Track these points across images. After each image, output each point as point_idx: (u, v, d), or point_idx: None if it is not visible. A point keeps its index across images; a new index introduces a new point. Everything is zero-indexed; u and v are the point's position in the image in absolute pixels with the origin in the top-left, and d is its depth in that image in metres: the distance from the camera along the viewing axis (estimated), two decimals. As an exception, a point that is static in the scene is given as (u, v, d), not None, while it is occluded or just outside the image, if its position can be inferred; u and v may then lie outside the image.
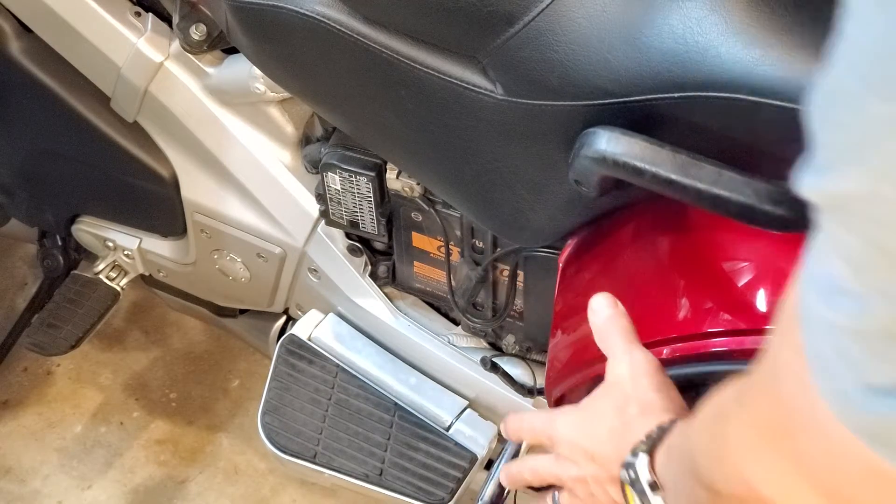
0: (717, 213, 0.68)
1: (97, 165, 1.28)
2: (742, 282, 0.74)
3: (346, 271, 1.21)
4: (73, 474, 1.56)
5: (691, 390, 0.77)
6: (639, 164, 0.69)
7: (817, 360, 0.34)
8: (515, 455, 1.17)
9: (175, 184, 1.25)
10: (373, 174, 1.07)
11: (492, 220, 0.96)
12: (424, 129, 0.90)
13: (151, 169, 1.24)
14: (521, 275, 1.08)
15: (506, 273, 1.09)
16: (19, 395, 1.65)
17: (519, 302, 1.11)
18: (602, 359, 0.69)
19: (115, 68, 1.16)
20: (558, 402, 0.90)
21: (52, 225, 1.45)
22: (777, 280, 0.72)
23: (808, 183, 0.33)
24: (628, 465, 0.58)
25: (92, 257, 1.46)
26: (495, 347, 1.19)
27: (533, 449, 1.18)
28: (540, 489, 0.77)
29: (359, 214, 1.12)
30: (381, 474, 1.15)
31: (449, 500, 1.13)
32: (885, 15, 0.29)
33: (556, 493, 0.72)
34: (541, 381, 1.12)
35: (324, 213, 1.15)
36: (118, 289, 1.42)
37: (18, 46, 1.19)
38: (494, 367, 1.10)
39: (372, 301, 1.22)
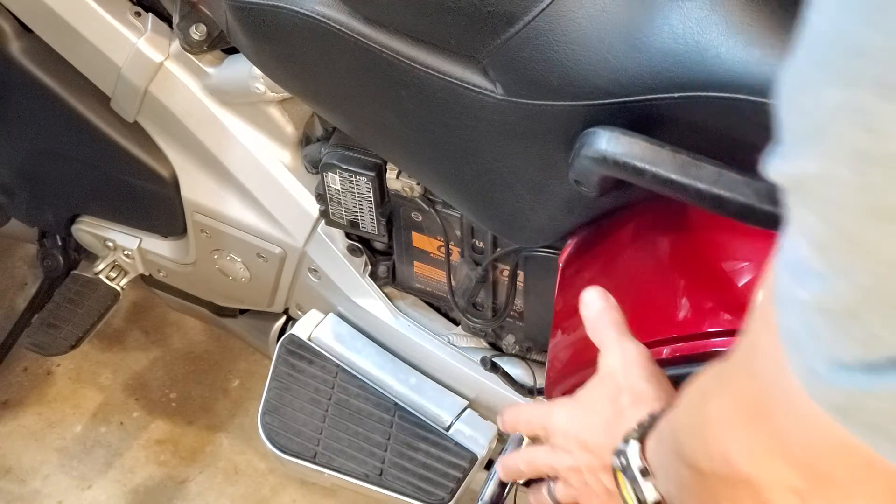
0: (717, 213, 0.68)
1: (97, 165, 1.28)
2: (742, 282, 0.74)
3: (346, 271, 1.21)
4: (73, 474, 1.56)
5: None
6: (639, 164, 0.69)
7: (789, 338, 0.35)
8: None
9: (175, 184, 1.25)
10: (373, 174, 1.07)
11: (492, 220, 0.96)
12: (424, 129, 0.90)
13: (151, 169, 1.24)
14: (521, 275, 1.08)
15: (506, 273, 1.09)
16: (19, 395, 1.65)
17: (519, 302, 1.11)
18: None
19: (116, 68, 1.16)
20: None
21: (52, 225, 1.45)
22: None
23: (773, 166, 0.34)
24: (620, 453, 0.59)
25: (92, 257, 1.46)
26: (495, 347, 1.19)
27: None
28: (531, 483, 0.77)
29: (359, 214, 1.12)
30: (381, 474, 1.15)
31: (449, 500, 1.13)
32: (839, 5, 0.30)
33: (551, 483, 0.73)
34: (541, 381, 1.12)
35: (324, 213, 1.15)
36: (118, 289, 1.42)
37: (18, 46, 1.19)
38: (494, 367, 1.10)
39: (372, 301, 1.22)
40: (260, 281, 1.29)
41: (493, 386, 1.16)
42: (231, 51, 1.12)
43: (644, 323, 0.77)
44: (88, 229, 1.40)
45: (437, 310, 1.24)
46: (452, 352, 1.19)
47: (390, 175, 1.08)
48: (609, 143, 0.71)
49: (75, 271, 1.47)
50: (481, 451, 1.16)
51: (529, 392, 1.12)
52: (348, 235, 1.19)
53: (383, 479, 1.15)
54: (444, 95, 0.84)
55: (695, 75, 0.69)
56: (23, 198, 1.42)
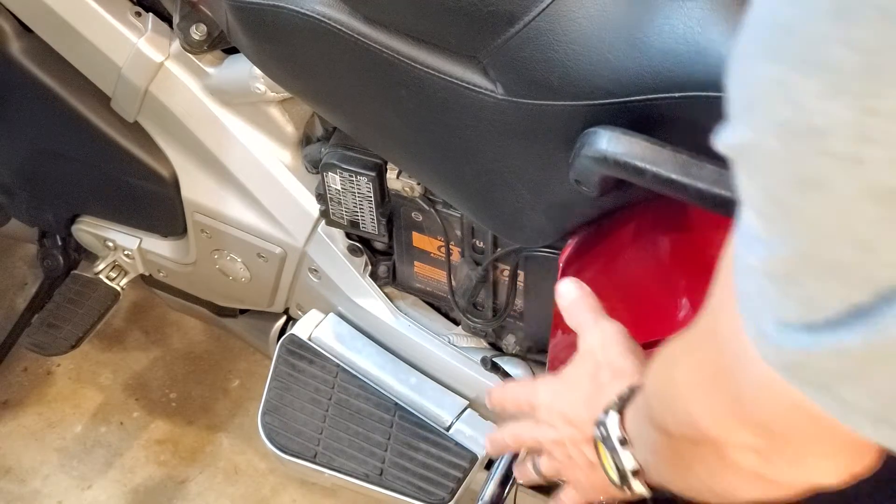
0: (717, 212, 0.68)
1: (97, 165, 1.28)
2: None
3: (347, 271, 1.21)
4: (73, 474, 1.56)
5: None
6: (639, 163, 0.69)
7: (743, 302, 0.37)
8: (515, 456, 1.18)
9: (175, 184, 1.25)
10: (373, 174, 1.07)
11: (492, 220, 0.96)
12: (425, 128, 0.90)
13: (152, 169, 1.24)
14: (521, 275, 1.08)
15: (506, 273, 1.09)
16: (19, 395, 1.65)
17: (519, 302, 1.11)
18: None
19: (116, 68, 1.16)
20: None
21: (53, 225, 1.45)
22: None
23: (720, 138, 0.36)
24: (600, 424, 0.62)
25: (92, 257, 1.46)
26: (495, 347, 1.19)
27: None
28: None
29: (359, 214, 1.12)
30: (381, 474, 1.15)
31: (449, 500, 1.13)
32: None
33: (536, 457, 0.76)
34: (541, 381, 1.12)
35: (324, 213, 1.15)
36: (118, 289, 1.42)
37: (19, 46, 1.19)
38: (495, 367, 1.10)
39: (372, 301, 1.22)
40: (260, 281, 1.29)
41: (493, 386, 1.16)
42: (231, 51, 1.12)
43: (644, 322, 0.77)
44: (88, 229, 1.40)
45: (438, 310, 1.24)
46: (453, 352, 1.19)
47: (391, 175, 1.08)
48: (610, 142, 0.71)
49: (75, 271, 1.47)
50: (481, 451, 1.16)
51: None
52: (348, 235, 1.19)
53: (383, 479, 1.15)
54: (444, 95, 0.84)
55: (695, 75, 0.69)
56: (23, 198, 1.42)
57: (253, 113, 1.16)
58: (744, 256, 0.36)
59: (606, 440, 0.61)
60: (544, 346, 1.06)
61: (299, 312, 1.32)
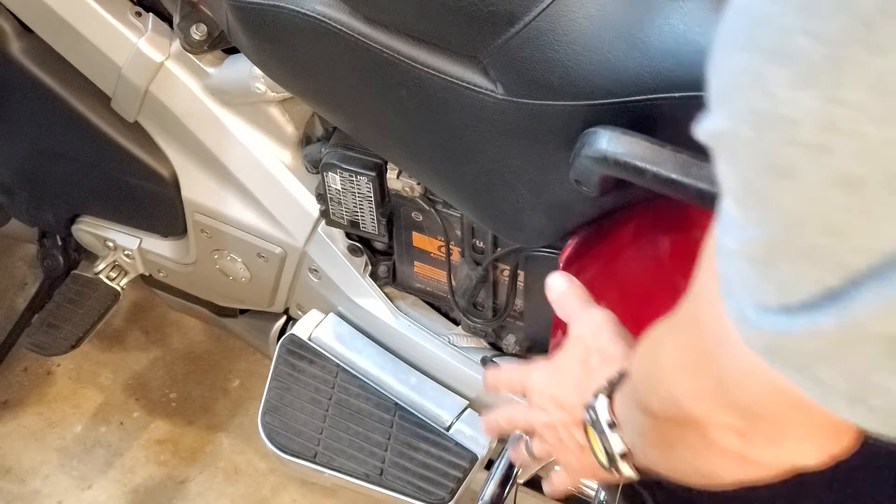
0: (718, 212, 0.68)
1: (98, 165, 1.28)
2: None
3: (347, 271, 1.21)
4: (73, 474, 1.56)
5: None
6: (640, 163, 0.69)
7: (724, 285, 0.38)
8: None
9: (175, 184, 1.25)
10: (373, 174, 1.07)
11: (492, 220, 0.96)
12: (425, 128, 0.90)
13: (152, 169, 1.24)
14: (521, 275, 1.08)
15: (506, 273, 1.09)
16: (19, 395, 1.65)
17: (519, 302, 1.11)
18: None
19: (116, 68, 1.16)
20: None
21: (53, 225, 1.45)
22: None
23: (700, 126, 0.37)
24: (590, 408, 0.63)
25: (92, 257, 1.46)
26: (495, 347, 1.19)
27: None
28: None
29: (359, 214, 1.12)
30: (381, 474, 1.15)
31: (449, 500, 1.13)
32: None
33: (528, 439, 0.77)
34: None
35: (324, 213, 1.15)
36: (118, 289, 1.42)
37: (19, 46, 1.19)
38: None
39: (372, 301, 1.22)
40: (260, 281, 1.29)
41: (493, 386, 1.16)
42: (231, 51, 1.12)
43: (644, 322, 0.77)
44: (88, 229, 1.40)
45: (438, 310, 1.24)
46: (453, 352, 1.19)
47: (391, 175, 1.08)
48: (610, 142, 0.71)
49: (75, 271, 1.47)
50: (481, 451, 1.16)
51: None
52: (349, 235, 1.19)
53: (384, 478, 1.15)
54: (444, 95, 0.84)
55: (695, 75, 0.69)
56: (23, 198, 1.42)
57: (253, 113, 1.16)
58: (724, 241, 0.37)
59: (595, 423, 0.62)
60: (544, 346, 1.06)
61: (299, 312, 1.32)
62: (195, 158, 1.22)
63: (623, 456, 0.61)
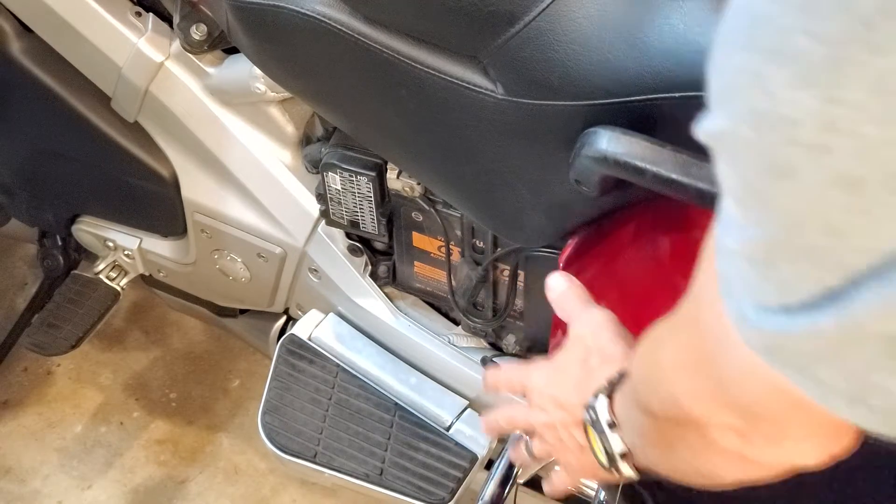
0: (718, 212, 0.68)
1: (98, 165, 1.28)
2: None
3: (347, 271, 1.21)
4: (73, 474, 1.56)
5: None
6: (640, 163, 0.69)
7: (724, 285, 0.38)
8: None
9: (175, 184, 1.25)
10: (373, 174, 1.07)
11: (492, 220, 0.96)
12: (425, 128, 0.90)
13: (152, 169, 1.24)
14: (521, 275, 1.08)
15: (506, 273, 1.09)
16: (19, 395, 1.65)
17: (519, 302, 1.11)
18: None
19: (116, 68, 1.16)
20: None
21: (53, 225, 1.45)
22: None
23: (700, 126, 0.37)
24: (590, 408, 0.63)
25: (92, 257, 1.46)
26: (495, 347, 1.19)
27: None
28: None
29: (359, 214, 1.12)
30: (381, 474, 1.15)
31: (449, 500, 1.13)
32: None
33: (528, 439, 0.77)
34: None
35: (324, 213, 1.15)
36: (118, 289, 1.42)
37: (19, 46, 1.19)
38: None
39: (372, 301, 1.22)
40: (260, 281, 1.29)
41: (493, 386, 1.16)
42: (231, 51, 1.12)
43: (644, 323, 0.77)
44: (89, 229, 1.40)
45: (438, 310, 1.24)
46: (453, 352, 1.19)
47: (391, 175, 1.08)
48: (610, 142, 0.71)
49: (75, 271, 1.47)
50: (481, 451, 1.16)
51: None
52: (349, 235, 1.19)
53: (384, 478, 1.15)
54: (444, 95, 0.84)
55: (695, 75, 0.69)
56: (23, 198, 1.42)
57: (253, 113, 1.16)
58: (724, 241, 0.37)
59: (596, 423, 0.62)
60: (544, 346, 1.06)
61: (299, 312, 1.32)
62: (195, 158, 1.22)
63: (623, 456, 0.61)
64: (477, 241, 1.08)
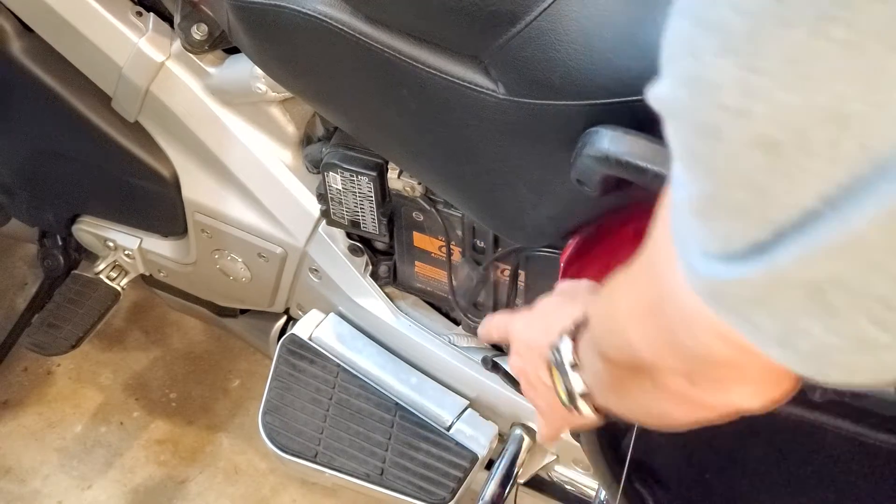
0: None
1: (98, 165, 1.29)
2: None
3: (347, 271, 1.21)
4: (73, 474, 1.56)
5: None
6: (641, 163, 0.69)
7: (676, 235, 0.40)
8: (515, 456, 1.18)
9: (176, 183, 1.25)
10: (374, 174, 1.07)
11: (493, 220, 0.96)
12: (426, 128, 0.90)
13: (152, 169, 1.24)
14: (522, 274, 1.08)
15: (507, 273, 1.09)
16: (19, 395, 1.65)
17: (520, 302, 1.11)
18: None
19: (117, 68, 1.16)
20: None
21: (53, 225, 1.45)
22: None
23: (650, 90, 0.39)
24: (554, 348, 0.64)
25: (92, 257, 1.46)
26: (496, 347, 1.19)
27: (531, 451, 1.19)
28: None
29: (360, 214, 1.12)
30: (382, 474, 1.15)
31: (450, 500, 1.13)
32: None
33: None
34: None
35: (325, 213, 1.15)
36: (118, 289, 1.42)
37: (19, 46, 1.19)
38: (495, 367, 1.10)
39: (373, 301, 1.22)
40: (261, 281, 1.29)
41: (493, 386, 1.16)
42: (232, 50, 1.12)
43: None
44: (89, 229, 1.40)
45: (438, 310, 1.24)
46: (453, 352, 1.19)
47: (392, 175, 1.08)
48: (611, 142, 0.71)
49: (76, 271, 1.48)
50: (482, 451, 1.16)
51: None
52: (349, 235, 1.19)
53: (384, 478, 1.15)
54: (445, 95, 0.84)
55: (697, 75, 0.69)
56: (23, 197, 1.42)
57: (254, 113, 1.16)
58: (674, 196, 0.40)
59: (560, 365, 0.64)
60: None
61: (300, 312, 1.32)
62: (196, 158, 1.22)
63: (583, 396, 0.63)
64: (478, 241, 1.08)
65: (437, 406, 1.19)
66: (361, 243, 1.19)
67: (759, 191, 0.34)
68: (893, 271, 0.32)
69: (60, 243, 1.52)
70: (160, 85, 1.16)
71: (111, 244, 1.39)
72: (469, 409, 1.19)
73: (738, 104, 0.33)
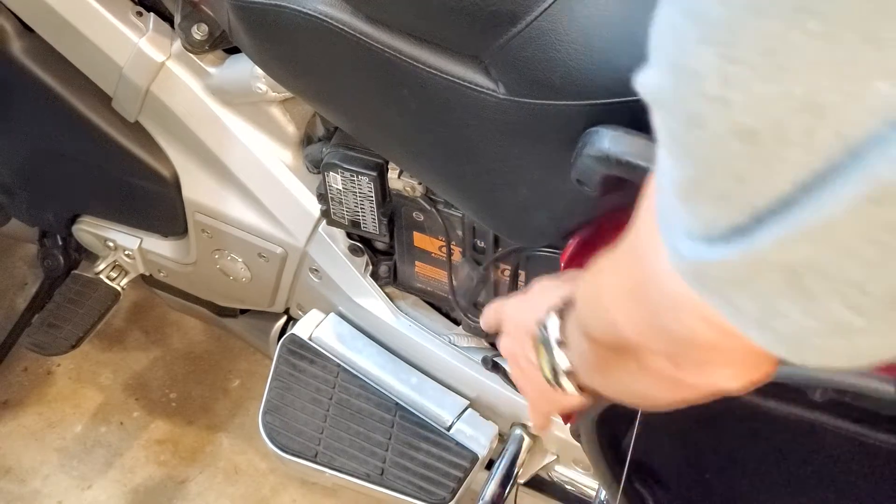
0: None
1: (98, 165, 1.29)
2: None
3: (348, 271, 1.21)
4: (73, 474, 1.56)
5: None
6: (642, 163, 0.69)
7: (661, 218, 0.41)
8: (515, 456, 1.18)
9: (176, 183, 1.25)
10: (374, 174, 1.07)
11: (493, 220, 0.96)
12: (426, 128, 0.90)
13: (152, 169, 1.24)
14: (522, 275, 1.08)
15: (507, 273, 1.09)
16: (19, 395, 1.65)
17: (520, 302, 1.11)
18: None
19: (117, 68, 1.16)
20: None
21: (53, 225, 1.45)
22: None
23: (637, 78, 0.40)
24: (541, 324, 0.65)
25: (92, 257, 1.46)
26: (496, 347, 1.19)
27: (532, 451, 1.19)
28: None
29: (360, 214, 1.12)
30: (382, 474, 1.15)
31: (450, 500, 1.13)
32: None
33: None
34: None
35: (325, 213, 1.15)
36: (119, 289, 1.42)
37: (20, 46, 1.19)
38: (496, 367, 1.10)
39: (373, 301, 1.22)
40: (261, 281, 1.29)
41: (494, 386, 1.16)
42: (233, 50, 1.12)
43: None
44: (89, 229, 1.40)
45: (439, 310, 1.24)
46: (453, 352, 1.19)
47: (392, 175, 1.08)
48: (612, 142, 0.71)
49: (76, 271, 1.48)
50: (482, 451, 1.16)
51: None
52: (349, 235, 1.19)
53: (384, 478, 1.15)
54: (446, 95, 0.84)
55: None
56: (23, 197, 1.42)
57: (254, 113, 1.16)
58: (659, 177, 0.41)
59: (546, 341, 0.64)
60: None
61: (300, 312, 1.32)
62: (196, 158, 1.22)
63: (567, 374, 0.64)
64: (478, 241, 1.08)
65: (438, 406, 1.19)
66: (362, 243, 1.19)
67: (739, 178, 0.35)
68: (867, 257, 0.33)
69: (60, 243, 1.52)
70: (160, 85, 1.16)
71: (111, 244, 1.39)
72: (469, 409, 1.19)
73: (719, 93, 0.33)
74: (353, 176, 1.09)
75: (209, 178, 1.23)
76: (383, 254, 1.21)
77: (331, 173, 1.10)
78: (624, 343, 0.51)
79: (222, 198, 1.23)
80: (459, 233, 1.09)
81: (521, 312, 0.72)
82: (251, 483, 1.56)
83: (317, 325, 1.25)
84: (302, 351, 1.23)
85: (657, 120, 0.39)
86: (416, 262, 1.17)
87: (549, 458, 1.20)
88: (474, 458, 1.16)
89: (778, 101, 0.32)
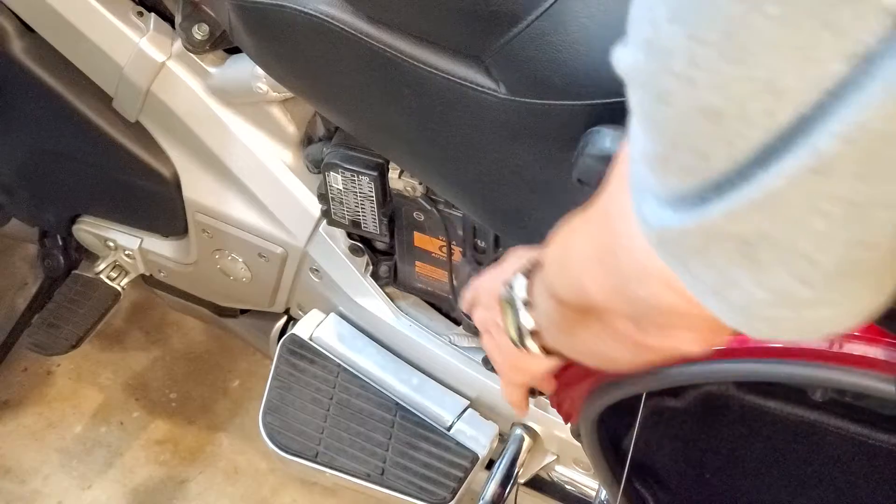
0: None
1: (99, 165, 1.29)
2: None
3: (348, 271, 1.21)
4: (73, 474, 1.56)
5: (691, 390, 0.78)
6: (643, 163, 0.69)
7: (632, 185, 0.42)
8: (516, 456, 1.18)
9: (176, 183, 1.25)
10: (375, 174, 1.07)
11: (494, 220, 0.96)
12: (427, 128, 0.90)
13: (153, 168, 1.24)
14: (522, 275, 1.08)
15: (507, 273, 1.09)
16: (19, 395, 1.65)
17: (520, 302, 1.11)
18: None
19: (118, 68, 1.16)
20: (561, 404, 0.90)
21: (53, 225, 1.45)
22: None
23: (614, 55, 0.41)
24: (508, 284, 0.65)
25: (92, 257, 1.46)
26: (496, 347, 1.19)
27: (532, 451, 1.19)
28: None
29: (361, 214, 1.12)
30: (382, 474, 1.15)
31: (450, 500, 1.14)
32: None
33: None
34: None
35: (325, 213, 1.15)
36: (119, 289, 1.42)
37: (20, 46, 1.19)
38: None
39: (373, 301, 1.22)
40: (261, 281, 1.29)
41: (494, 386, 1.16)
42: (233, 50, 1.12)
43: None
44: (89, 229, 1.40)
45: (439, 310, 1.24)
46: (454, 352, 1.19)
47: (392, 175, 1.08)
48: (613, 142, 0.71)
49: (76, 271, 1.48)
50: (482, 451, 1.16)
51: (531, 392, 1.12)
52: (350, 235, 1.19)
53: (385, 478, 1.15)
54: (447, 95, 0.84)
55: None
56: (24, 197, 1.42)
57: (255, 113, 1.16)
58: (631, 149, 0.42)
59: (511, 301, 0.64)
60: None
61: (300, 312, 1.32)
62: (196, 158, 1.22)
63: (532, 334, 0.64)
64: (479, 241, 1.08)
65: (438, 406, 1.19)
66: (362, 243, 1.19)
67: (702, 155, 0.36)
68: (814, 227, 0.34)
69: (61, 243, 1.52)
70: (161, 85, 1.16)
71: (111, 244, 1.39)
72: (469, 409, 1.19)
73: (685, 72, 0.34)
74: (353, 176, 1.09)
75: (210, 178, 1.23)
76: (384, 254, 1.21)
77: (331, 173, 1.10)
78: (589, 304, 0.52)
79: (223, 198, 1.23)
80: (460, 233, 1.09)
81: (492, 280, 0.73)
82: (251, 483, 1.56)
83: (317, 325, 1.25)
84: (302, 351, 1.23)
85: (630, 93, 0.40)
86: (417, 262, 1.17)
87: (550, 458, 1.20)
88: (474, 458, 1.16)
89: (740, 82, 0.33)
